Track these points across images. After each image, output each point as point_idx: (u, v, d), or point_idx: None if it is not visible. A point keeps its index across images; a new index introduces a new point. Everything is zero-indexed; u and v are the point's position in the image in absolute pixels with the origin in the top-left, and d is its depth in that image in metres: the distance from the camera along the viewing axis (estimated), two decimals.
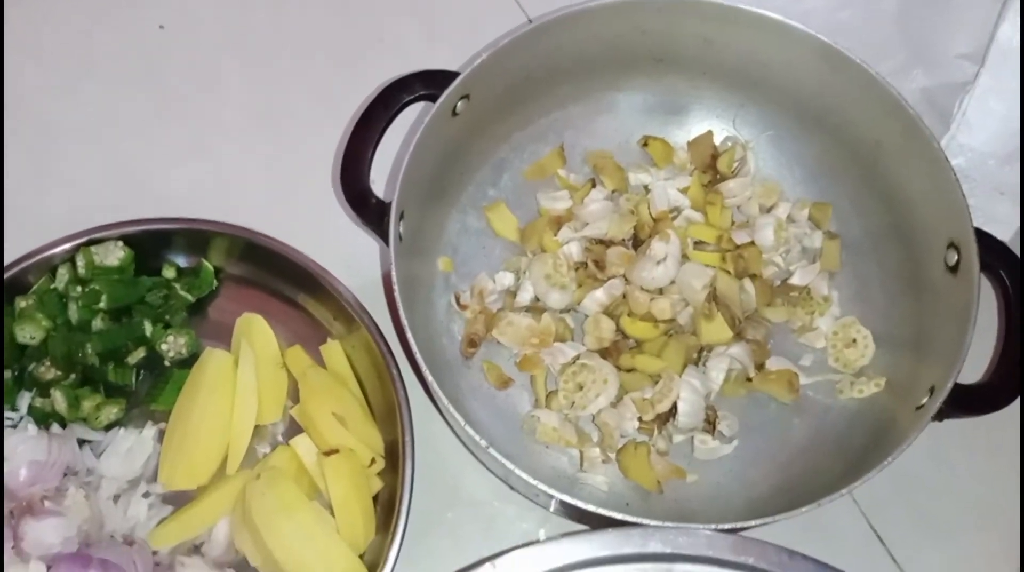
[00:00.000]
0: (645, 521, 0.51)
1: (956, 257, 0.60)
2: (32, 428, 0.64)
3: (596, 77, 0.73)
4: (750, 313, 0.69)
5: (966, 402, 0.57)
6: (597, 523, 0.54)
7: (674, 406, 0.65)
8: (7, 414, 0.66)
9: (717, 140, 0.75)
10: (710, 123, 0.75)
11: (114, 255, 0.70)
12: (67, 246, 0.69)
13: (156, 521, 0.65)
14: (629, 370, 0.67)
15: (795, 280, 0.70)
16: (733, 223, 0.72)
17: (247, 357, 0.68)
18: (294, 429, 0.67)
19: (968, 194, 0.61)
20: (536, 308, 0.70)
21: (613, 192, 0.73)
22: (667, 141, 0.75)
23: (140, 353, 0.69)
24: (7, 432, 0.64)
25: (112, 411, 0.67)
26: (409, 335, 0.57)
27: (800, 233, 0.72)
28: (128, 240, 0.70)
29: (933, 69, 0.70)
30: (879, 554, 0.66)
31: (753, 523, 0.52)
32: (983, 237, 0.59)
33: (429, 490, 0.66)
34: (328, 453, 0.64)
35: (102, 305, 0.68)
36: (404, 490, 0.62)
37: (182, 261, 0.73)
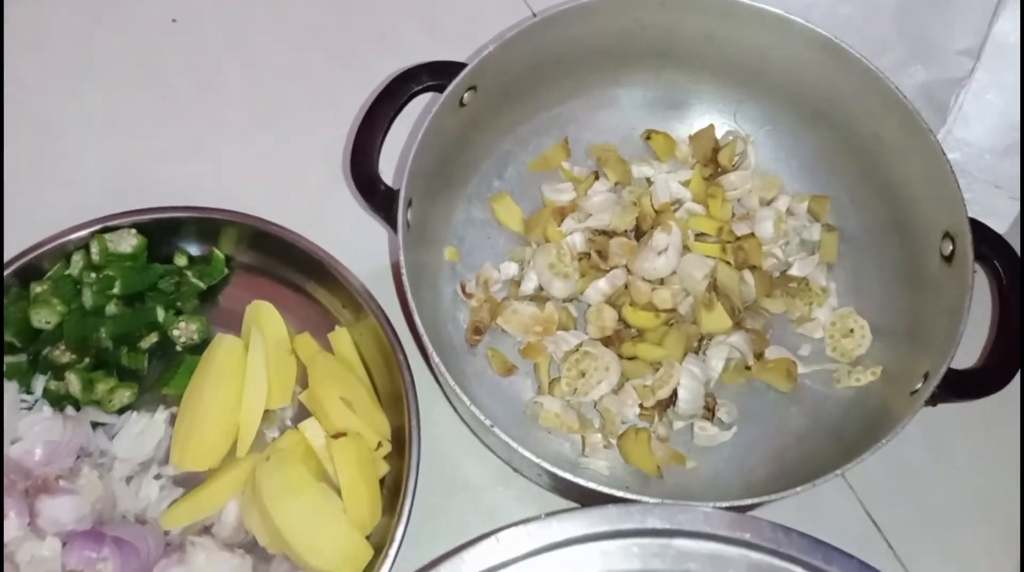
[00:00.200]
0: (645, 499, 0.53)
1: (951, 247, 0.62)
2: (47, 409, 0.66)
3: (600, 71, 0.75)
4: (750, 304, 0.71)
5: (960, 387, 0.58)
6: (598, 505, 0.55)
7: (674, 393, 0.66)
8: (23, 396, 0.68)
9: (718, 134, 0.76)
10: (711, 117, 0.76)
11: (127, 242, 0.71)
12: (82, 233, 0.70)
13: (167, 502, 0.66)
14: (631, 358, 0.69)
15: (794, 271, 0.72)
16: (733, 215, 0.74)
17: (257, 343, 0.69)
18: (302, 414, 0.69)
19: (965, 188, 0.63)
20: (540, 297, 0.71)
21: (616, 184, 0.75)
22: (669, 135, 0.76)
23: (152, 338, 0.70)
24: (23, 413, 0.66)
25: (125, 394, 0.69)
26: (417, 318, 0.58)
27: (799, 226, 0.73)
28: (141, 228, 0.71)
29: (932, 65, 0.72)
30: (874, 539, 0.68)
31: (749, 501, 0.54)
32: (977, 227, 0.60)
33: (433, 475, 0.67)
34: (336, 436, 0.65)
35: (116, 291, 0.70)
36: (411, 472, 0.64)
37: (194, 249, 0.74)
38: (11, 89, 0.82)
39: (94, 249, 0.70)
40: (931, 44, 0.72)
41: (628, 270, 0.71)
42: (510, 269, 0.72)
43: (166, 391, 0.70)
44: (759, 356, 0.69)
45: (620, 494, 0.54)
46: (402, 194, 0.61)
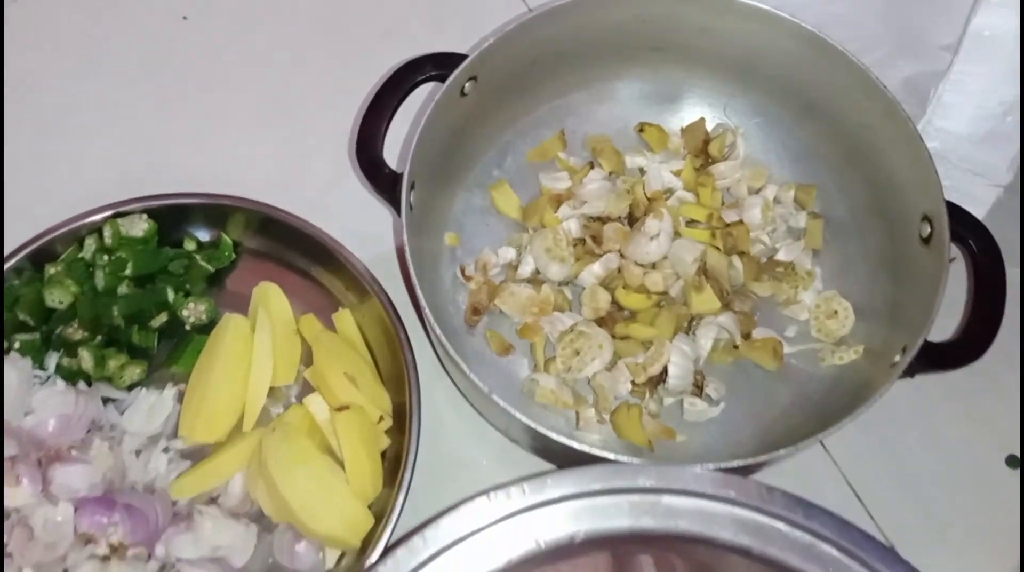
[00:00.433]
0: (637, 461, 0.55)
1: (929, 229, 0.64)
2: (60, 383, 0.68)
3: (597, 65, 0.78)
4: (738, 288, 0.73)
5: (936, 358, 0.61)
6: None
7: (665, 370, 0.69)
8: (36, 372, 0.70)
9: (709, 127, 0.79)
10: (703, 111, 0.79)
11: (139, 227, 0.74)
12: (95, 218, 0.72)
13: (175, 474, 0.68)
14: (623, 338, 0.71)
15: (780, 257, 0.74)
16: (723, 203, 0.77)
17: (264, 322, 0.71)
18: (307, 393, 0.70)
19: (944, 175, 0.65)
20: (536, 280, 0.74)
21: (611, 174, 0.78)
22: (662, 127, 0.79)
23: (162, 318, 0.72)
24: (37, 387, 0.68)
25: (135, 371, 0.71)
26: (419, 292, 0.61)
27: (786, 213, 0.76)
28: (152, 214, 0.73)
29: (915, 60, 0.75)
30: (855, 509, 0.70)
31: (736, 463, 0.56)
32: (954, 210, 0.63)
33: (433, 450, 0.69)
34: (339, 409, 0.67)
35: (128, 272, 0.72)
36: (411, 444, 0.66)
37: (202, 235, 0.76)
38: (29, 79, 0.85)
39: (107, 233, 0.73)
40: (915, 40, 0.75)
41: (621, 255, 0.74)
42: (508, 254, 0.75)
43: (175, 369, 0.72)
44: (747, 336, 0.71)
45: (613, 457, 0.57)
46: (405, 176, 0.64)
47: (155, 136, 0.84)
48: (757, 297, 0.74)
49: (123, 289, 0.72)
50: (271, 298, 0.74)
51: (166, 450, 0.69)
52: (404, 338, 0.69)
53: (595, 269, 0.73)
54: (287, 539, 0.67)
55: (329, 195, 0.80)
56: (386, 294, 0.71)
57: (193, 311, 0.73)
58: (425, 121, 0.65)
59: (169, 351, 0.73)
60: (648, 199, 0.75)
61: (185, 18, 0.89)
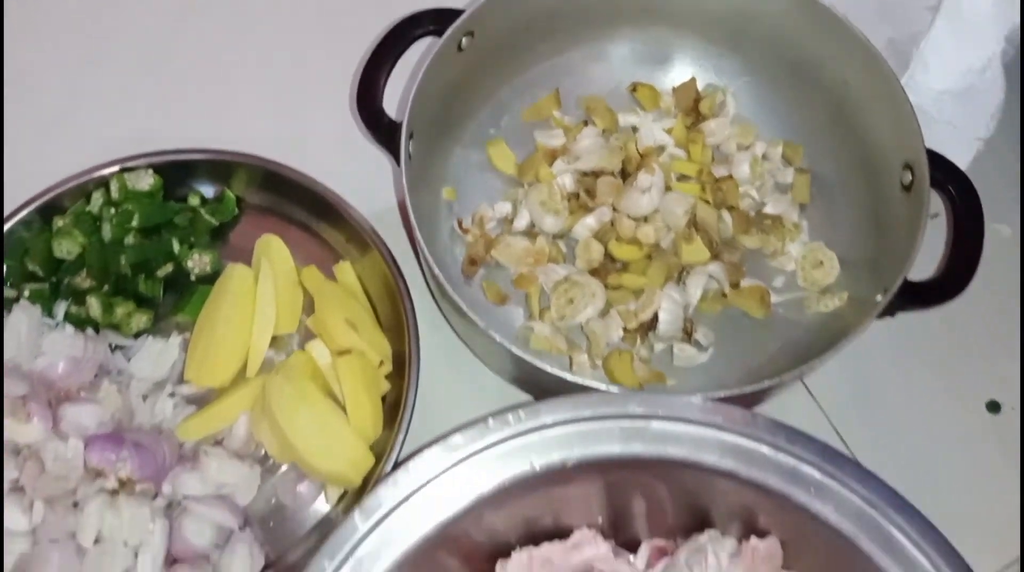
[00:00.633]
0: (629, 391, 0.58)
1: (910, 177, 0.67)
2: (69, 328, 0.70)
3: (590, 26, 0.80)
4: (727, 240, 0.76)
5: (917, 296, 0.63)
6: None
7: (655, 316, 0.71)
8: (46, 320, 0.72)
9: (700, 86, 0.81)
10: (693, 70, 0.82)
11: (145, 181, 0.75)
12: (102, 173, 0.75)
13: (180, 418, 0.70)
14: (616, 288, 0.73)
15: (768, 210, 0.77)
16: (713, 160, 0.79)
17: (267, 272, 0.73)
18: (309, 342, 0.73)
19: (925, 129, 0.68)
20: (532, 233, 0.76)
21: (604, 131, 0.80)
22: (654, 87, 0.81)
23: (168, 268, 0.74)
24: (47, 331, 0.70)
25: (142, 319, 0.73)
26: (417, 234, 0.63)
27: (774, 169, 0.78)
28: (157, 169, 0.75)
29: (899, 22, 0.77)
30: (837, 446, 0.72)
31: (722, 393, 0.59)
32: (933, 157, 0.66)
33: (431, 396, 0.71)
34: (341, 353, 0.70)
35: (134, 224, 0.74)
36: (410, 387, 0.68)
37: (206, 190, 0.78)
38: (39, 40, 0.87)
39: (114, 186, 0.75)
40: (899, 2, 0.77)
41: (614, 208, 0.76)
42: (504, 208, 0.77)
43: (180, 318, 0.74)
44: (735, 285, 0.74)
45: (605, 388, 0.59)
46: (404, 125, 0.66)
47: (160, 94, 0.86)
48: (746, 249, 0.76)
49: (130, 240, 0.74)
50: (273, 249, 0.76)
51: (172, 395, 0.71)
52: (404, 287, 0.72)
53: (589, 222, 0.75)
54: (289, 479, 0.69)
55: (331, 152, 0.82)
56: (386, 246, 0.73)
57: (198, 262, 0.75)
58: (423, 72, 0.68)
59: (174, 301, 0.75)
60: (640, 155, 0.77)
61: None
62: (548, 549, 0.59)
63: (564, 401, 0.54)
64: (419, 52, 0.73)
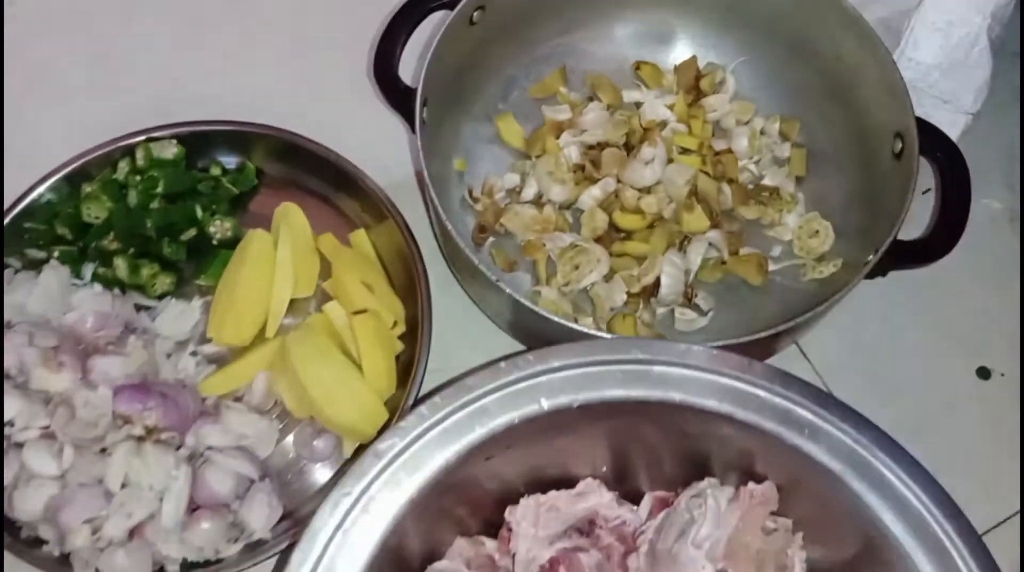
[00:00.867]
0: (633, 338, 0.61)
1: (901, 145, 0.70)
2: (98, 286, 0.74)
3: (597, 7, 0.83)
4: (727, 212, 0.79)
5: (906, 256, 0.67)
6: None
7: (657, 281, 0.74)
8: (74, 281, 0.75)
9: (700, 65, 0.85)
10: (694, 50, 0.85)
11: (169, 150, 0.79)
12: (128, 142, 0.78)
13: (203, 376, 0.73)
14: (620, 256, 0.77)
15: (766, 182, 0.80)
16: (713, 134, 0.82)
17: (285, 237, 0.76)
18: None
19: (916, 103, 0.71)
20: (539, 203, 0.79)
21: (608, 107, 0.83)
22: (657, 65, 0.85)
23: (191, 232, 0.77)
24: (76, 289, 0.73)
25: (166, 281, 0.76)
26: (432, 194, 0.66)
27: (771, 143, 0.82)
28: (180, 140, 0.79)
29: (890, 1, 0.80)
30: None
31: (720, 343, 0.62)
32: (923, 125, 0.69)
33: (443, 356, 0.74)
34: (357, 313, 0.73)
35: (159, 190, 0.77)
36: (423, 346, 0.71)
37: (228, 161, 0.81)
38: (68, 18, 0.90)
39: (139, 155, 0.78)
40: None
41: (618, 179, 0.79)
42: (512, 180, 0.80)
43: (202, 281, 0.77)
44: (734, 253, 0.77)
45: (610, 337, 0.62)
46: (419, 91, 0.69)
47: (184, 67, 0.89)
48: (744, 219, 0.79)
49: (155, 205, 0.77)
50: (292, 216, 0.79)
51: (194, 354, 0.74)
52: (417, 252, 0.75)
53: (594, 192, 0.78)
54: (307, 434, 0.72)
55: (348, 125, 0.84)
56: (401, 214, 0.76)
57: (220, 228, 0.79)
58: (437, 41, 0.71)
59: (197, 265, 0.78)
60: (643, 128, 0.81)
61: None
62: (554, 496, 0.62)
63: (572, 346, 0.57)
64: (432, 26, 0.77)
